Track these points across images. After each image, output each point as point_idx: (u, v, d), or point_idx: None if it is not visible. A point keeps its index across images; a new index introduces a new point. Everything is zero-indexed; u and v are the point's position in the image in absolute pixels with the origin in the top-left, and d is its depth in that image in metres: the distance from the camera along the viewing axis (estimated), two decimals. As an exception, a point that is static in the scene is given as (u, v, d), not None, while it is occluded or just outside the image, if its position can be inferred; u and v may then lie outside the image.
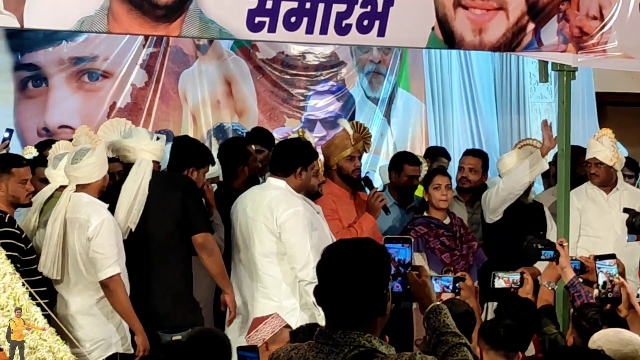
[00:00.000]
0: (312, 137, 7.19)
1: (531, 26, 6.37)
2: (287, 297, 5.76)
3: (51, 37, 8.78)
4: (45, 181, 6.01)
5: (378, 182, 8.27)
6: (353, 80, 9.96)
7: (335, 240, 5.17)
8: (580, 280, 5.36)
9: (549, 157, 7.16)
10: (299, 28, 5.71)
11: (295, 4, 5.65)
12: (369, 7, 5.85)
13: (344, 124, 6.62)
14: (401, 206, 7.32)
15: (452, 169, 8.11)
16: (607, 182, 7.13)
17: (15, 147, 7.84)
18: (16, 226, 5.54)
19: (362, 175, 6.74)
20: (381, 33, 5.92)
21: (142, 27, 5.38)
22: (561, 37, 6.48)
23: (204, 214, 5.85)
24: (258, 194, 5.88)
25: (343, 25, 5.82)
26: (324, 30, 5.76)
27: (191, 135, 8.63)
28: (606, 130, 7.16)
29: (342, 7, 5.78)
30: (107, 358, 5.50)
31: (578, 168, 7.24)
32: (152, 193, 5.72)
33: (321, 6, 5.72)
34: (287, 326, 5.05)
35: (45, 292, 5.40)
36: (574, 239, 6.79)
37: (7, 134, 7.53)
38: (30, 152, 7.09)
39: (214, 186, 6.50)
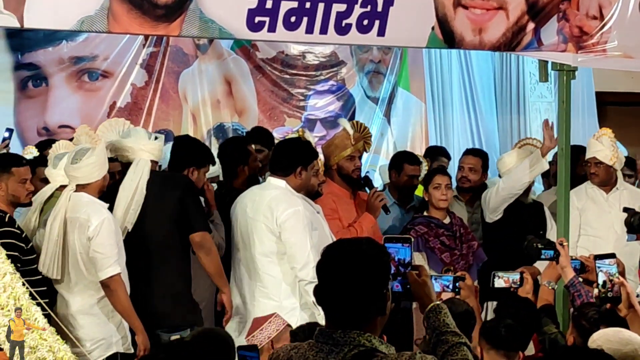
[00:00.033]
0: (312, 137, 7.18)
1: (531, 26, 6.37)
2: (287, 297, 5.76)
3: (51, 37, 8.78)
4: (46, 181, 6.01)
5: (378, 181, 8.27)
6: (353, 80, 9.96)
7: (335, 239, 5.17)
8: (580, 279, 5.36)
9: (549, 156, 7.16)
10: (299, 28, 5.71)
11: (295, 4, 5.65)
12: (369, 6, 5.85)
13: (344, 123, 6.62)
14: (401, 206, 7.32)
15: (452, 168, 8.11)
16: (607, 182, 7.13)
17: (15, 147, 7.84)
18: (16, 226, 5.54)
19: (362, 174, 6.74)
20: (381, 33, 5.92)
21: (142, 27, 5.38)
22: (561, 37, 6.49)
23: (202, 213, 5.85)
24: (258, 194, 5.88)
25: (343, 24, 5.82)
26: (324, 30, 5.76)
27: (191, 134, 8.63)
28: (606, 130, 7.16)
29: (342, 7, 5.78)
30: (108, 358, 5.50)
31: (579, 168, 7.25)
32: (150, 193, 5.72)
33: (321, 6, 5.72)
34: (289, 326, 5.05)
35: (45, 292, 5.40)
36: (573, 239, 6.80)
37: (7, 134, 7.53)
38: (31, 152, 7.09)
39: (214, 185, 6.50)
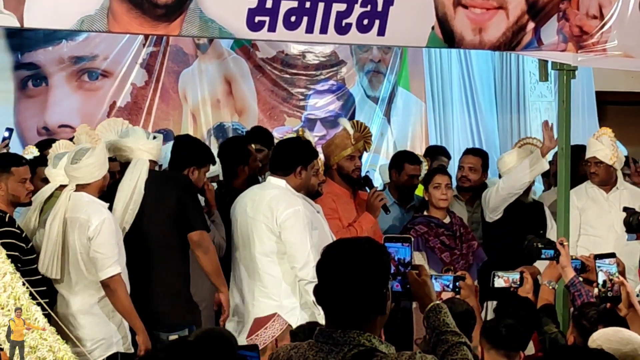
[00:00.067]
0: (312, 136, 7.19)
1: (531, 25, 6.37)
2: (287, 297, 5.75)
3: (51, 37, 8.79)
4: (47, 181, 6.00)
5: (378, 181, 8.27)
6: (353, 80, 9.96)
7: (335, 239, 5.17)
8: (581, 279, 5.36)
9: (549, 156, 7.16)
10: (299, 27, 5.71)
11: (295, 3, 5.65)
12: (369, 6, 5.85)
13: (345, 123, 6.62)
14: (401, 205, 7.32)
15: (452, 168, 8.11)
16: (607, 181, 7.13)
17: (15, 147, 7.84)
18: (16, 226, 5.54)
19: (362, 174, 6.74)
20: (381, 32, 5.92)
21: (142, 27, 5.38)
22: (561, 36, 6.49)
23: (200, 212, 5.85)
24: (258, 193, 5.88)
25: (343, 24, 5.82)
26: (324, 30, 5.76)
27: (191, 134, 8.63)
28: (606, 130, 7.16)
29: (342, 7, 5.78)
30: (108, 357, 5.50)
31: (580, 167, 7.25)
32: (148, 192, 5.73)
33: (321, 5, 5.72)
34: (290, 325, 5.05)
35: (45, 292, 5.40)
36: (574, 238, 6.79)
37: (7, 133, 7.52)
38: (32, 152, 7.09)
39: (214, 185, 6.50)
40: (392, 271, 3.18)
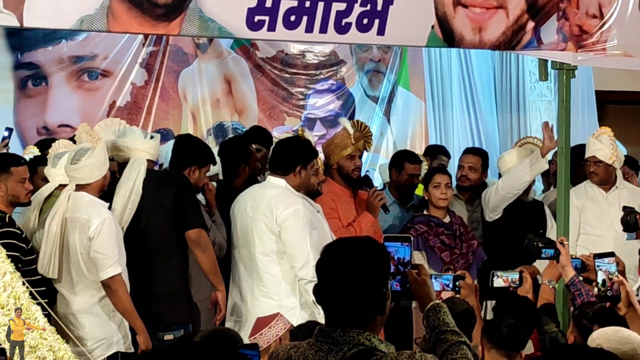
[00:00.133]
0: (312, 136, 7.18)
1: (531, 25, 6.37)
2: (287, 296, 5.76)
3: (51, 36, 8.78)
4: (47, 180, 6.00)
5: (378, 180, 8.27)
6: (353, 79, 9.96)
7: (335, 239, 5.17)
8: (581, 278, 5.36)
9: (549, 155, 7.16)
10: (299, 27, 5.71)
11: (294, 3, 5.65)
12: (369, 5, 5.85)
13: (345, 122, 6.62)
14: (401, 205, 7.32)
15: (452, 167, 8.11)
16: (607, 181, 7.13)
17: (14, 146, 7.84)
18: (16, 226, 5.54)
19: (362, 174, 6.74)
20: (381, 32, 5.92)
21: (142, 26, 5.38)
22: (561, 36, 6.49)
23: (198, 210, 5.85)
24: (258, 193, 5.88)
25: (343, 23, 5.82)
26: (323, 29, 5.77)
27: (191, 134, 8.63)
28: (605, 129, 7.16)
29: (341, 6, 5.79)
30: (109, 357, 5.50)
31: (580, 168, 7.26)
32: (146, 192, 5.73)
33: (321, 5, 5.72)
34: (292, 325, 5.05)
35: (45, 292, 5.40)
36: (573, 238, 6.80)
37: (6, 133, 7.52)
38: (32, 152, 7.09)
39: (213, 184, 6.49)
40: (391, 270, 3.18)
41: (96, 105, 8.99)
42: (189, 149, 6.08)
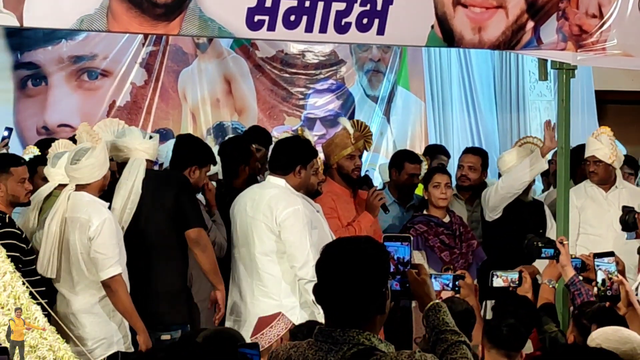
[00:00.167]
0: (312, 136, 7.19)
1: (530, 24, 6.38)
2: (287, 296, 5.76)
3: (51, 36, 8.78)
4: (47, 180, 6.00)
5: (378, 180, 8.27)
6: (352, 79, 9.96)
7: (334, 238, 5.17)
8: (581, 278, 5.36)
9: (549, 155, 7.16)
10: (299, 26, 5.71)
11: (294, 3, 5.66)
12: (369, 5, 5.85)
13: (345, 122, 6.62)
14: (401, 204, 7.32)
15: (452, 167, 8.11)
16: (606, 180, 7.13)
17: (14, 146, 7.84)
18: (17, 227, 5.54)
19: (362, 173, 6.74)
20: (380, 31, 5.92)
21: (142, 26, 5.39)
22: (560, 35, 6.49)
23: (197, 209, 5.85)
24: (257, 193, 5.88)
25: (342, 23, 5.82)
26: (323, 29, 5.77)
27: (191, 133, 8.62)
28: (605, 129, 7.16)
29: (341, 6, 5.79)
30: (109, 357, 5.49)
31: (581, 169, 7.26)
32: (146, 192, 5.73)
33: (320, 4, 5.72)
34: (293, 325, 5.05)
35: (45, 292, 5.39)
36: (573, 237, 6.80)
37: (6, 133, 7.52)
38: (32, 152, 7.09)
39: (213, 184, 6.49)
40: (391, 270, 3.18)
41: (96, 105, 8.99)
42: (189, 149, 6.08)
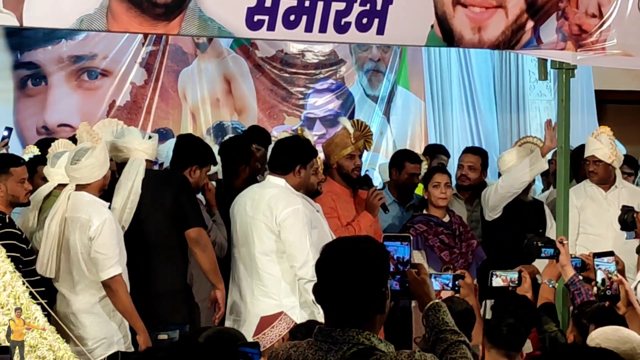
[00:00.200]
0: (312, 135, 7.19)
1: (530, 24, 6.38)
2: (287, 296, 5.76)
3: (50, 36, 8.78)
4: (47, 180, 6.00)
5: (377, 180, 8.27)
6: (352, 79, 9.96)
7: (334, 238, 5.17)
8: (581, 277, 5.36)
9: (549, 155, 7.16)
10: (298, 26, 5.71)
11: (294, 2, 5.66)
12: (368, 5, 5.86)
13: (345, 122, 6.63)
14: (401, 204, 7.33)
15: (452, 166, 8.11)
16: (606, 180, 7.13)
17: (14, 146, 7.84)
18: (17, 227, 5.54)
19: (362, 173, 6.74)
20: (380, 31, 5.93)
21: (141, 26, 5.39)
22: (560, 35, 6.49)
23: (197, 209, 5.86)
24: (257, 192, 5.88)
25: (342, 23, 5.82)
26: (323, 29, 5.77)
27: (192, 133, 8.62)
28: (604, 128, 7.16)
29: (341, 5, 5.79)
30: (109, 356, 5.50)
31: (581, 170, 7.26)
32: (145, 191, 5.73)
33: (320, 4, 5.72)
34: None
35: (45, 292, 5.39)
36: (573, 237, 6.80)
37: (6, 133, 7.53)
38: (32, 152, 7.09)
39: (213, 184, 6.49)
40: (391, 270, 3.18)
41: (96, 104, 8.99)
42: (190, 149, 6.09)
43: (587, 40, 6.56)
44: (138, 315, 5.48)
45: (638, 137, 10.19)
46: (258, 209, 5.77)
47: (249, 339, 5.45)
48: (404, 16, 5.97)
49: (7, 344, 4.56)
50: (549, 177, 8.08)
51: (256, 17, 5.58)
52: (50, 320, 5.03)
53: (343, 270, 3.00)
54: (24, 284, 4.90)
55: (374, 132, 8.84)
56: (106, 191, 5.66)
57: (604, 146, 7.00)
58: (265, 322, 5.15)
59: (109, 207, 5.61)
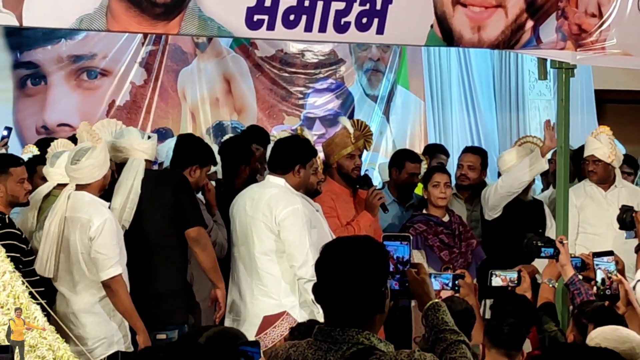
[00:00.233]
0: (311, 135, 7.18)
1: (530, 24, 6.38)
2: (287, 295, 5.76)
3: (50, 35, 8.78)
4: (47, 180, 6.00)
5: (377, 179, 8.27)
6: (352, 78, 9.96)
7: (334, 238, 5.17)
8: (580, 277, 5.36)
9: (549, 155, 7.16)
10: (298, 26, 5.71)
11: (294, 2, 5.66)
12: (368, 4, 5.86)
13: (345, 122, 6.63)
14: (400, 204, 7.32)
15: (451, 166, 8.11)
16: (605, 180, 7.13)
17: (14, 146, 7.83)
18: (16, 227, 5.54)
19: (362, 173, 6.74)
20: (380, 31, 5.93)
21: (141, 25, 5.39)
22: (560, 35, 6.49)
23: (197, 208, 5.86)
24: (257, 192, 5.88)
25: (342, 23, 5.82)
26: (322, 28, 5.77)
27: (192, 133, 8.62)
28: (604, 128, 7.17)
29: (341, 5, 5.79)
30: (109, 356, 5.50)
31: (582, 170, 7.27)
32: (145, 191, 5.73)
33: (320, 4, 5.72)
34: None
35: (45, 292, 5.39)
36: (572, 237, 6.80)
37: (5, 132, 7.52)
38: (31, 151, 7.09)
39: (212, 183, 6.49)
40: (390, 269, 3.18)
41: (95, 104, 8.99)
42: (190, 149, 6.09)
43: (586, 40, 6.57)
44: (138, 315, 5.47)
45: (638, 137, 10.19)
46: (258, 209, 5.77)
47: (249, 338, 5.45)
48: (403, 16, 5.97)
49: (7, 343, 4.56)
50: (548, 177, 8.08)
51: (256, 17, 5.58)
52: (50, 320, 5.03)
53: (343, 270, 3.00)
54: (23, 283, 4.90)
55: (373, 131, 8.82)
56: (106, 191, 5.66)
57: (604, 146, 7.00)
58: (268, 322, 5.15)
59: (109, 207, 5.61)
